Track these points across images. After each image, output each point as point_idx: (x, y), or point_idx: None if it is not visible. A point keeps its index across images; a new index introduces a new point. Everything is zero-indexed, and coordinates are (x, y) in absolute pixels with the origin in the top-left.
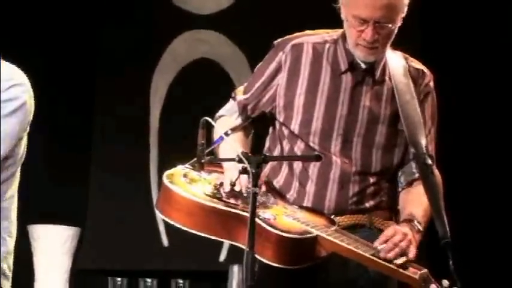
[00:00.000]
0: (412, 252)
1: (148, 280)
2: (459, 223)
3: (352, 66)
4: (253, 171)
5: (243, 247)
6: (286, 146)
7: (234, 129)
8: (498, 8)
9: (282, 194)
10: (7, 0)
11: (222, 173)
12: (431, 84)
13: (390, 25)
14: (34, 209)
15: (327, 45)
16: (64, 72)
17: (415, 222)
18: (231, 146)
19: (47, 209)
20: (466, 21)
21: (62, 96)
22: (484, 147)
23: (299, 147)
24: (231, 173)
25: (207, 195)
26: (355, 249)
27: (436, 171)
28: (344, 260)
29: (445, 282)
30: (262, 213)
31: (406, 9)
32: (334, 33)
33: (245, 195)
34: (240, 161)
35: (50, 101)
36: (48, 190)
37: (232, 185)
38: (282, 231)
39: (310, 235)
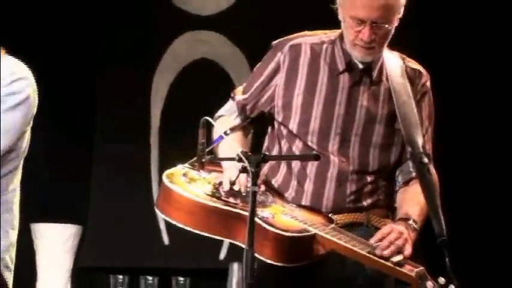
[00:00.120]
0: (407, 250)
1: (149, 278)
2: (455, 221)
3: (350, 66)
4: (253, 170)
5: (243, 245)
6: (285, 146)
7: (233, 129)
8: (495, 8)
9: (280, 193)
10: (6, 2)
11: (221, 172)
12: (428, 84)
13: (387, 25)
14: (36, 208)
15: (325, 46)
16: (65, 72)
17: (411, 221)
18: (230, 146)
19: (49, 208)
20: (463, 21)
21: (64, 96)
22: (481, 146)
23: (297, 147)
24: (231, 172)
25: (206, 194)
26: (352, 247)
27: (433, 170)
28: (342, 258)
29: (442, 280)
30: (260, 211)
31: (402, 9)
32: (331, 34)
33: (244, 194)
34: (239, 160)
35: (51, 100)
36: (50, 189)
37: (232, 184)
38: (280, 229)
39: (308, 233)
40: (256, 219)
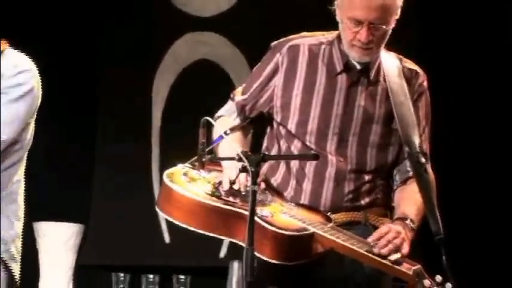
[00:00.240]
0: (405, 249)
1: (151, 276)
2: (452, 220)
3: (347, 67)
4: (253, 169)
5: (243, 244)
6: (284, 145)
7: (232, 129)
8: (494, 8)
9: (279, 192)
10: (6, 2)
11: (221, 171)
12: (425, 84)
13: (384, 26)
14: (39, 207)
15: (323, 47)
16: (66, 72)
17: (408, 220)
18: (230, 146)
19: (51, 207)
20: (461, 21)
21: (65, 96)
22: (478, 146)
23: (296, 147)
24: (230, 172)
25: (207, 193)
26: (350, 246)
27: (430, 170)
28: (340, 256)
29: (439, 278)
30: (260, 210)
31: (399, 11)
32: (329, 35)
33: (244, 193)
34: (239, 159)
35: (52, 101)
36: (52, 188)
37: (232, 183)
38: (279, 228)
39: (307, 232)
40: (256, 218)
